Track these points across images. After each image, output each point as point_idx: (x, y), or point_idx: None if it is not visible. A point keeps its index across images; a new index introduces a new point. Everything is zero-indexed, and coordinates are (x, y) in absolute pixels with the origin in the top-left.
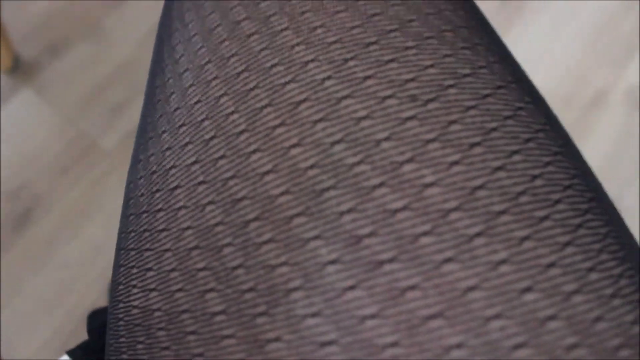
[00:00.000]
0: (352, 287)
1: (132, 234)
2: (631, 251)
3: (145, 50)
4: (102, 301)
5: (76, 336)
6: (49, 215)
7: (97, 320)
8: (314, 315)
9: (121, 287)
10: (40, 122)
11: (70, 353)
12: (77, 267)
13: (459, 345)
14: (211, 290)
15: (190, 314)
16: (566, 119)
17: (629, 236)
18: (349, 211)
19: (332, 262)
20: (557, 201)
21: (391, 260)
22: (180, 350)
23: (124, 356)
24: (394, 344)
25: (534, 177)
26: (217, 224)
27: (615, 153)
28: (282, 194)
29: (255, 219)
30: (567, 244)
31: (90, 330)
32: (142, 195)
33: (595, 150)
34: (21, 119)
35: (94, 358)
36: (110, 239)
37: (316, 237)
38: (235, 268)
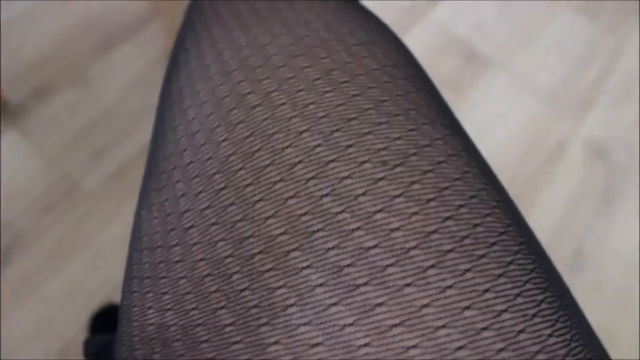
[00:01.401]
0: (335, 304)
1: (147, 265)
2: (553, 282)
3: (128, 97)
4: (81, 337)
5: None
6: (30, 253)
7: (94, 345)
8: (305, 324)
9: (136, 309)
10: (24, 163)
11: None
12: (57, 303)
13: (415, 346)
14: (222, 307)
15: (204, 327)
16: (529, 168)
17: (554, 271)
18: (334, 248)
19: (320, 285)
20: (494, 244)
21: (365, 284)
22: (195, 355)
23: None
24: (367, 345)
25: (476, 225)
26: (227, 257)
27: (576, 200)
28: (281, 234)
29: (260, 252)
30: (500, 275)
31: (87, 355)
32: (156, 233)
33: (556, 198)
34: (6, 159)
35: None
36: (90, 277)
37: (308, 267)
38: (242, 290)
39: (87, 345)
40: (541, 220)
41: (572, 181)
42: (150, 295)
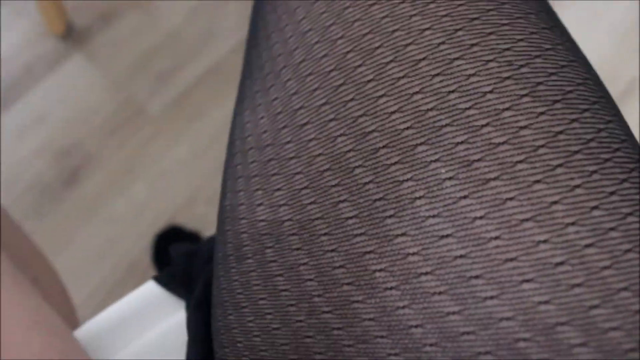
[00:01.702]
0: (465, 197)
1: (254, 164)
2: None
3: (191, 20)
4: (146, 255)
5: (122, 286)
6: (97, 173)
7: (180, 251)
8: (434, 216)
9: (243, 207)
10: (90, 85)
11: (156, 279)
12: (122, 222)
13: (545, 241)
14: (344, 201)
15: (323, 220)
16: None
17: None
18: (462, 142)
19: (449, 178)
20: (617, 149)
21: (495, 179)
22: (313, 248)
23: (250, 260)
24: (497, 237)
25: (600, 129)
26: (348, 151)
27: None
28: (407, 128)
29: (384, 146)
30: (625, 180)
31: (174, 258)
32: (264, 132)
33: None
34: (72, 82)
35: (179, 282)
36: (154, 198)
37: (436, 160)
38: (366, 184)
39: (173, 251)
40: None
41: None
42: (260, 192)
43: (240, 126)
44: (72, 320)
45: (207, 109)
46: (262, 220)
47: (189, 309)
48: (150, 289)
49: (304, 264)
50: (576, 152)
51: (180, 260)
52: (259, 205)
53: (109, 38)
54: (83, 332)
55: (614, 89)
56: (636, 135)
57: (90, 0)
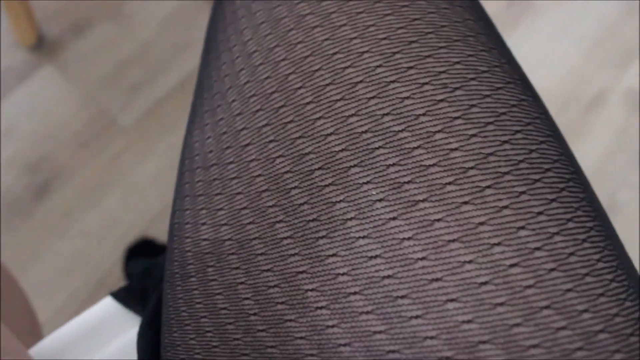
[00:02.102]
0: (394, 218)
1: (200, 183)
2: (600, 214)
3: (164, 33)
4: (118, 268)
5: (92, 301)
6: (68, 186)
7: (138, 267)
8: (364, 237)
9: (188, 226)
10: (61, 97)
11: (114, 294)
12: (93, 236)
13: (470, 261)
14: (280, 221)
15: (260, 240)
16: (566, 117)
17: (600, 204)
18: (394, 165)
19: (380, 200)
20: (548, 170)
21: (424, 201)
22: (251, 268)
23: (193, 279)
24: (424, 258)
25: (531, 150)
26: (286, 172)
27: (612, 152)
28: (341, 150)
29: (319, 168)
30: (553, 200)
31: (131, 275)
32: (210, 152)
33: (593, 148)
34: (43, 94)
35: (135, 298)
36: (126, 211)
37: (368, 182)
38: (301, 204)
39: (131, 267)
40: None
41: (610, 132)
42: (204, 212)
43: (190, 145)
44: (36, 336)
45: (180, 122)
46: (205, 239)
47: (141, 326)
48: (108, 304)
49: (242, 282)
50: (506, 173)
51: (137, 276)
52: (203, 224)
53: (80, 49)
54: (40, 349)
55: (581, 100)
56: (610, 144)
57: (62, 10)
